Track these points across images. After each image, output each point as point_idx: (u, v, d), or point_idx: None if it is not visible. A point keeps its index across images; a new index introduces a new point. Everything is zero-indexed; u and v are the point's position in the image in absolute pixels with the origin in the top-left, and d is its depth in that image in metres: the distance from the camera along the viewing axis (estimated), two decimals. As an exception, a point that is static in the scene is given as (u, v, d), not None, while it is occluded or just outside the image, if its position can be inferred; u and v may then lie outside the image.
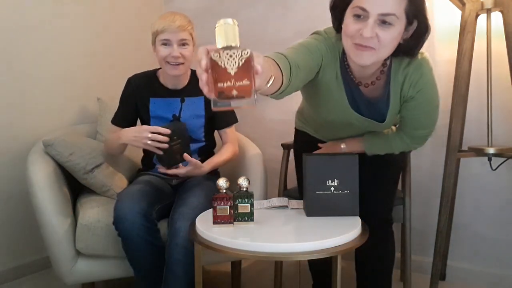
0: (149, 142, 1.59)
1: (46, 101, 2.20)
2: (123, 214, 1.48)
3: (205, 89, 0.77)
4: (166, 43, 1.69)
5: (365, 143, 1.52)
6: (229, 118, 1.90)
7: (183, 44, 1.71)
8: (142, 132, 1.61)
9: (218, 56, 0.75)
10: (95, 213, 1.63)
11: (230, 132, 1.90)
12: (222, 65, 0.74)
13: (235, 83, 0.74)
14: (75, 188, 1.85)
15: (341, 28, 1.25)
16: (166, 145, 1.60)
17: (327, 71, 1.32)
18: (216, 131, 1.92)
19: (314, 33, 1.36)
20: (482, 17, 1.82)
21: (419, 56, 1.30)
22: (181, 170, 1.69)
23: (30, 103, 2.13)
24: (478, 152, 1.77)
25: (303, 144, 1.71)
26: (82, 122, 2.32)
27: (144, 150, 1.87)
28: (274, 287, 1.87)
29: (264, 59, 0.88)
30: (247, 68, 0.75)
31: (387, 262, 1.53)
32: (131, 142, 1.66)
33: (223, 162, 1.85)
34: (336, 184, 1.33)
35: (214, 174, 1.86)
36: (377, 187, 1.49)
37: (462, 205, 2.05)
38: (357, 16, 1.17)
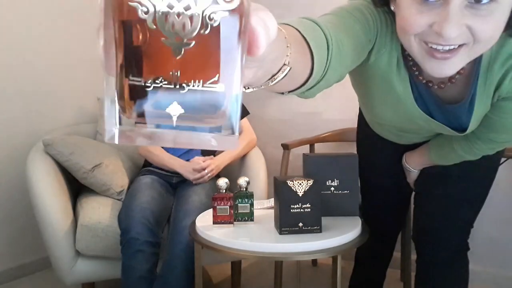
0: None
1: (46, 101, 2.20)
2: (135, 234, 1.47)
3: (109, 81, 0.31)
4: None
5: (430, 156, 1.17)
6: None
7: None
8: None
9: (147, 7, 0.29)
10: (96, 214, 1.63)
11: (243, 123, 1.89)
12: (151, 25, 0.29)
13: (184, 78, 0.29)
14: (75, 188, 1.85)
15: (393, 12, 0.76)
16: None
17: (383, 53, 0.85)
18: None
19: None
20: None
21: None
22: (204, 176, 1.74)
23: (30, 103, 2.13)
24: (478, 152, 1.76)
25: (365, 136, 1.35)
26: (82, 122, 2.32)
27: None
28: (274, 287, 1.87)
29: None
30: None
31: None
32: None
33: (237, 154, 1.88)
34: (336, 184, 1.33)
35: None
36: (455, 209, 1.18)
37: (462, 205, 2.04)
38: None
